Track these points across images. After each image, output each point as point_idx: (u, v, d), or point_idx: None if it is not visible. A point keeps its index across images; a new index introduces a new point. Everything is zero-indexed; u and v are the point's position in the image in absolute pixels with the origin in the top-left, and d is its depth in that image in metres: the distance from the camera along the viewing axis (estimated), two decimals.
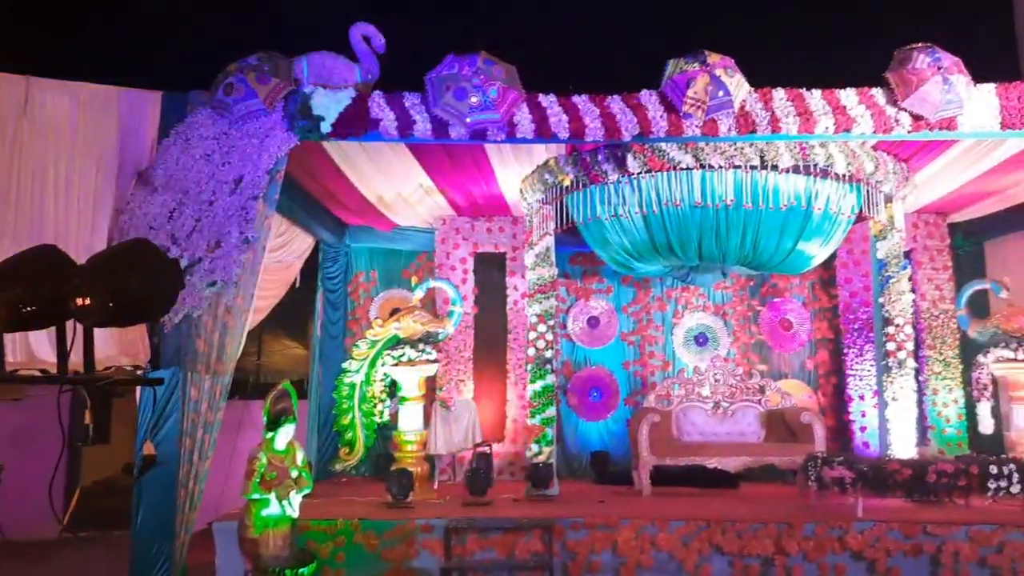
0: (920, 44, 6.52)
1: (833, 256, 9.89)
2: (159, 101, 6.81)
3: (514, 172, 8.31)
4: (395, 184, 8.41)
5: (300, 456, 6.83)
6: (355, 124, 6.42)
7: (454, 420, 8.58)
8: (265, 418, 6.67)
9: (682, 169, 7.56)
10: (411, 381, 8.02)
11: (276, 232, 8.62)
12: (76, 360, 3.11)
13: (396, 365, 7.91)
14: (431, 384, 8.40)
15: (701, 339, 10.48)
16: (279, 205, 7.62)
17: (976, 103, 6.53)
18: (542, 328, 8.33)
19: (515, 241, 10.13)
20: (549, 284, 8.46)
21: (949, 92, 6.37)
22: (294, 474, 6.70)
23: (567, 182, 7.96)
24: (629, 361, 10.45)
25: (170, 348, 6.41)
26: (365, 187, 8.43)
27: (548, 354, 8.29)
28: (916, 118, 6.52)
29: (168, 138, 6.61)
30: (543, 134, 6.57)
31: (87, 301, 2.93)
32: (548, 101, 6.60)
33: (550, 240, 8.46)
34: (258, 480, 6.41)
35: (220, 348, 6.56)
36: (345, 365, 7.89)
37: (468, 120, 6.35)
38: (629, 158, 7.54)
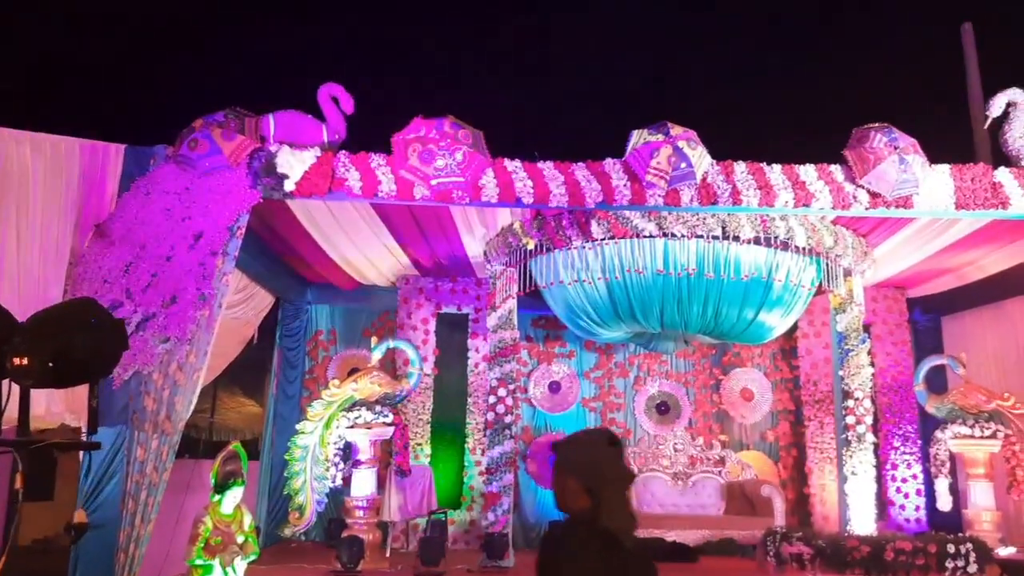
0: (878, 124, 6.71)
1: (794, 327, 9.98)
2: (122, 154, 6.71)
3: (479, 234, 8.31)
4: (359, 243, 8.36)
5: (247, 521, 6.60)
6: (319, 183, 6.38)
7: (409, 486, 8.37)
8: (213, 480, 6.46)
9: (645, 237, 7.61)
10: (366, 444, 7.82)
11: (235, 288, 8.48)
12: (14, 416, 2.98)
13: (351, 427, 7.72)
14: (387, 448, 8.19)
15: (662, 407, 10.43)
16: (240, 261, 7.52)
17: (931, 183, 6.70)
18: (502, 392, 8.22)
19: (478, 303, 10.07)
20: (511, 347, 8.39)
21: (905, 171, 6.52)
22: (240, 539, 6.46)
23: (531, 246, 7.97)
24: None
25: (117, 406, 6.20)
26: (328, 245, 8.36)
27: (508, 419, 8.16)
28: (873, 195, 6.67)
29: (128, 191, 6.51)
30: (507, 199, 6.59)
31: (24, 361, 2.81)
32: (513, 166, 6.65)
33: (513, 303, 8.42)
34: (202, 545, 6.17)
35: (169, 406, 6.37)
36: (299, 426, 7.67)
37: (433, 183, 6.36)
38: (593, 224, 7.58)
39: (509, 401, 8.21)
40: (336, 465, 7.71)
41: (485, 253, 8.62)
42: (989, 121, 7.14)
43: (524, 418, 10.29)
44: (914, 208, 6.71)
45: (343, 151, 6.57)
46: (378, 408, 7.83)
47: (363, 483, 7.83)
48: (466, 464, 9.69)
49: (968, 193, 6.68)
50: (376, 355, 8.15)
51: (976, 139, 10.48)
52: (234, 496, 6.43)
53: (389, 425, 7.90)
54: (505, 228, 8.13)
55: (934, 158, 6.84)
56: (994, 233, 7.63)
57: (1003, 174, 6.74)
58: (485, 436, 8.63)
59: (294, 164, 6.39)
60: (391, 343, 8.44)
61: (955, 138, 11.30)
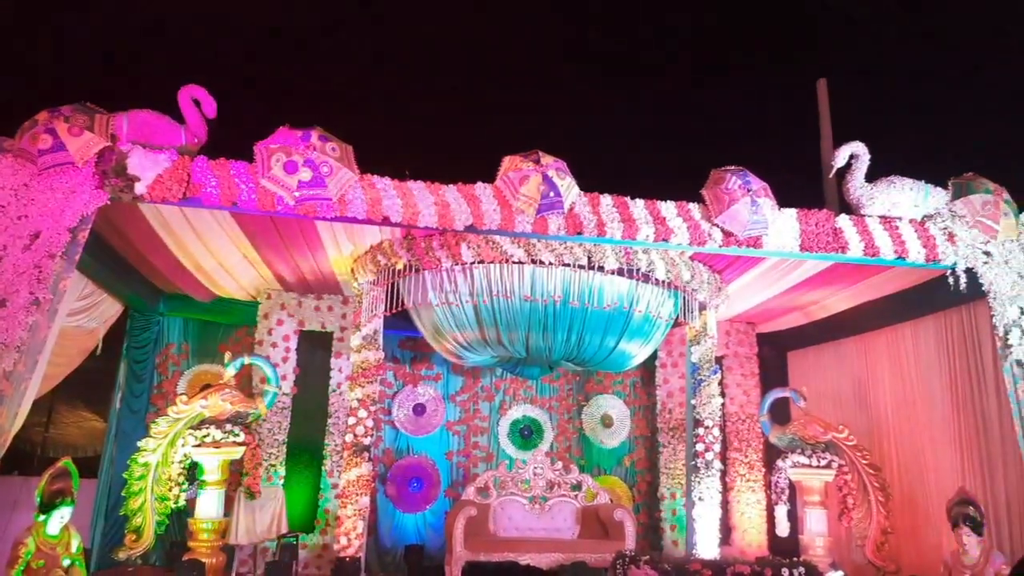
0: (733, 167, 7.05)
1: (654, 356, 10.31)
2: None
3: (346, 251, 8.14)
4: (217, 253, 7.98)
5: (75, 543, 6.19)
6: (174, 188, 6.06)
7: (258, 508, 8.03)
8: (38, 499, 6.05)
9: (514, 263, 7.66)
10: (213, 464, 7.44)
11: (79, 294, 7.95)
12: None
13: (198, 446, 7.33)
14: (237, 468, 7.82)
15: (526, 431, 10.52)
16: (83, 266, 7.07)
17: (780, 225, 7.09)
18: (363, 414, 8.00)
19: (343, 321, 9.84)
20: (374, 368, 8.20)
21: (756, 213, 6.88)
22: (66, 563, 6.08)
23: (400, 265, 7.85)
24: (453, 451, 10.29)
25: None
26: (183, 254, 7.93)
27: (366, 441, 7.95)
28: (727, 234, 6.99)
29: None
30: (375, 217, 6.48)
31: None
32: (383, 183, 6.55)
33: (378, 323, 8.26)
34: (22, 568, 5.76)
35: None
36: (141, 443, 7.22)
37: (296, 195, 6.17)
38: (463, 247, 7.56)
39: (369, 423, 8.01)
40: (180, 485, 7.31)
41: (352, 270, 8.44)
42: (834, 171, 7.66)
43: (386, 440, 10.14)
44: (763, 248, 7.08)
45: (201, 156, 6.27)
46: (228, 427, 7.48)
47: (209, 504, 7.43)
48: (322, 487, 9.38)
49: (812, 236, 7.12)
50: (229, 371, 7.78)
51: (826, 186, 11.19)
52: (61, 516, 6.04)
53: (240, 445, 7.55)
54: (374, 246, 7.99)
55: (790, 202, 7.27)
56: (836, 275, 8.15)
57: (844, 221, 7.23)
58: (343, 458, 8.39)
59: (147, 166, 6.05)
60: (246, 359, 8.07)
61: (810, 185, 12.06)
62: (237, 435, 7.53)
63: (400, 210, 6.51)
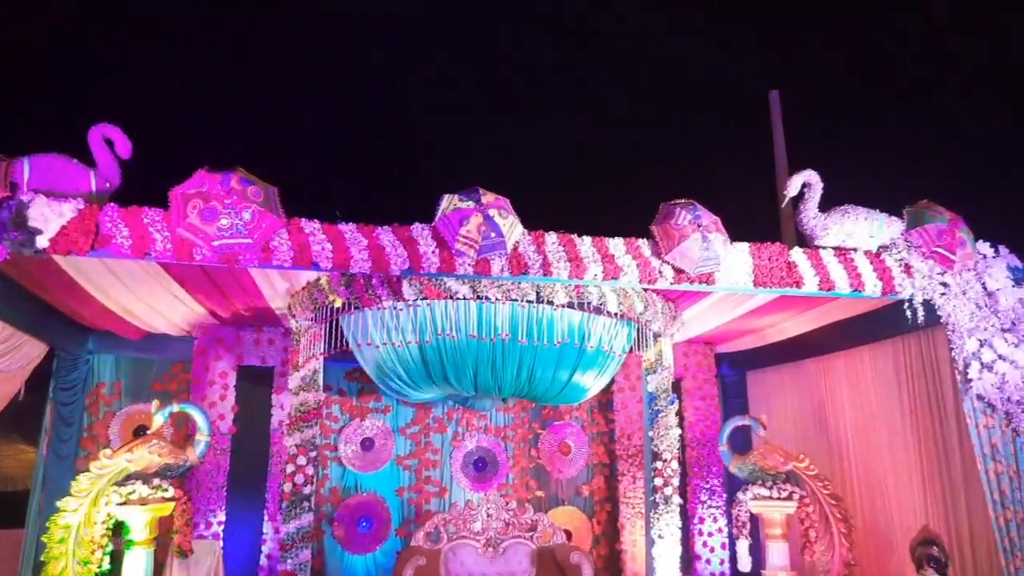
0: (683, 200, 6.73)
1: (611, 381, 10.00)
2: None
3: (281, 288, 7.72)
4: (142, 295, 7.49)
5: None
6: (80, 240, 5.57)
7: (193, 564, 7.57)
8: None
9: (459, 299, 7.30)
10: (141, 522, 6.96)
11: None
12: None
13: (123, 504, 6.84)
14: (167, 525, 7.35)
15: (480, 464, 10.16)
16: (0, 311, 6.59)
17: (732, 260, 6.79)
18: (302, 461, 7.60)
19: (285, 355, 9.38)
20: (314, 411, 7.79)
21: (708, 249, 6.57)
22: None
23: (338, 303, 7.45)
24: (403, 487, 9.89)
25: None
26: (105, 297, 7.43)
27: (307, 490, 7.55)
28: (678, 271, 6.68)
29: None
30: (303, 263, 6.06)
31: None
32: (311, 228, 6.13)
33: (317, 363, 7.85)
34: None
35: None
36: (60, 503, 6.71)
37: (215, 244, 5.71)
38: (404, 284, 7.19)
39: (309, 471, 7.60)
40: (103, 548, 6.82)
41: (289, 307, 8.02)
42: (786, 200, 7.40)
43: (332, 478, 9.72)
44: (716, 284, 6.78)
45: (112, 203, 5.79)
46: (156, 481, 7.01)
47: (137, 566, 6.95)
48: (265, 532, 8.94)
49: (765, 271, 6.83)
50: (158, 421, 7.30)
51: (781, 206, 10.96)
52: None
53: (169, 500, 7.08)
54: (311, 283, 7.58)
55: (746, 220, 6.99)
56: (789, 302, 7.88)
57: (797, 254, 6.95)
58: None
59: (50, 217, 5.54)
60: (175, 407, 7.58)
61: (765, 201, 11.85)
62: (166, 490, 7.05)
63: (330, 255, 6.09)
